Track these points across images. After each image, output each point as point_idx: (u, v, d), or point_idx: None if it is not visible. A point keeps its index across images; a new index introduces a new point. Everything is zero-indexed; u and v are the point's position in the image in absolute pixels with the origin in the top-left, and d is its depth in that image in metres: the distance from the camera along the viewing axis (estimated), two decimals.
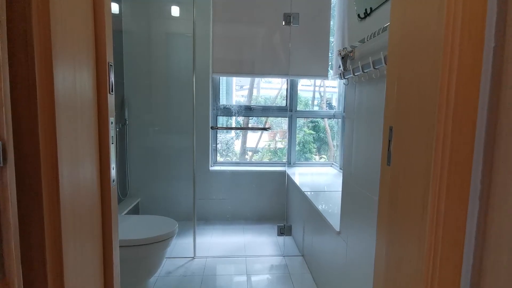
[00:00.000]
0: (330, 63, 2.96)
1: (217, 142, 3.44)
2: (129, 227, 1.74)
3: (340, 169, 2.90)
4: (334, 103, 3.69)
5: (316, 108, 3.86)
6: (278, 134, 4.02)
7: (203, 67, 2.79)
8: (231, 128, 3.27)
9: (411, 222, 0.63)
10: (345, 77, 1.27)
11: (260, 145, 3.86)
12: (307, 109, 3.39)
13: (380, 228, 0.77)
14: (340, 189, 2.25)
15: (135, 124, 2.81)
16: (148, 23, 2.75)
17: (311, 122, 3.85)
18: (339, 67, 1.35)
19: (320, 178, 2.63)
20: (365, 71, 1.07)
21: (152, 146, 2.86)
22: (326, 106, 3.75)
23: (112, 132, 0.67)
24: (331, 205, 1.89)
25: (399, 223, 0.68)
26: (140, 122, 2.82)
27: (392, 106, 0.71)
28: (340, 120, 2.96)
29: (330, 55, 2.94)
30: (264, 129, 2.85)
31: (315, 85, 3.87)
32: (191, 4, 2.64)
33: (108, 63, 0.64)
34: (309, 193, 2.13)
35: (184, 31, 2.81)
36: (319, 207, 1.83)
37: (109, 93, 0.65)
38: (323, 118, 3.37)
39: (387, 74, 0.73)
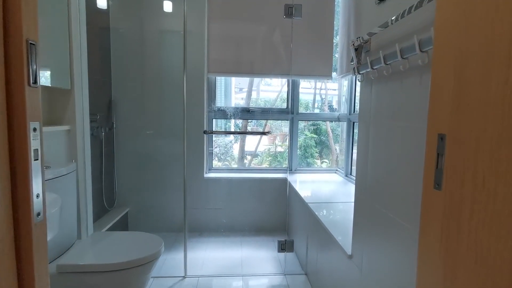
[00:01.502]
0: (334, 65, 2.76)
1: (215, 145, 3.22)
2: (106, 247, 1.52)
3: (346, 176, 2.68)
4: (335, 105, 3.49)
5: (317, 111, 3.65)
6: (278, 137, 3.81)
7: (197, 67, 2.58)
8: (226, 133, 3.05)
9: (493, 265, 0.41)
10: (360, 72, 1.05)
11: (260, 149, 3.64)
12: (308, 112, 3.18)
13: (426, 261, 0.55)
14: (348, 200, 2.04)
15: (124, 128, 2.59)
16: (138, 19, 2.54)
17: (313, 125, 3.63)
18: (351, 61, 1.13)
19: (324, 187, 2.41)
20: (388, 62, 0.86)
21: (142, 152, 2.63)
22: (328, 109, 3.54)
23: (35, 143, 0.45)
24: (338, 219, 1.67)
25: (464, 261, 0.46)
26: (129, 126, 2.60)
27: (444, 105, 0.49)
28: (345, 123, 2.74)
29: (334, 56, 2.73)
30: (263, 133, 2.63)
31: (315, 87, 3.66)
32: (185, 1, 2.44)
33: (27, 41, 0.43)
34: (313, 204, 1.91)
35: (177, 28, 2.59)
36: (325, 222, 1.60)
37: (29, 85, 0.43)
38: (327, 121, 3.15)
39: (434, 61, 0.51)
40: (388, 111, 0.94)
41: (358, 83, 2.74)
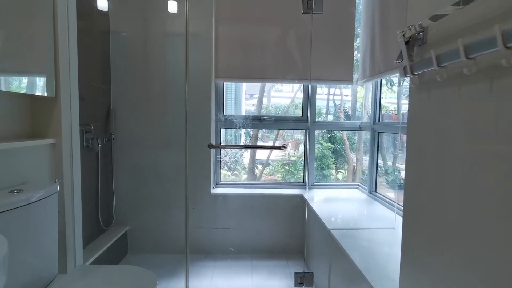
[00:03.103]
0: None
1: (224, 154, 2.96)
2: (90, 286, 1.26)
3: (370, 193, 2.36)
4: (349, 111, 3.20)
5: (330, 118, 3.36)
6: (289, 145, 3.53)
7: (204, 72, 2.34)
8: (234, 147, 2.78)
9: None
10: (415, 72, 0.77)
11: (271, 157, 3.37)
12: (323, 120, 2.90)
13: None
14: (378, 226, 1.73)
15: (123, 139, 2.37)
16: (140, 21, 2.33)
17: (327, 133, 3.35)
18: (397, 59, 0.85)
19: (346, 207, 2.10)
20: (470, 56, 0.58)
21: (143, 165, 2.40)
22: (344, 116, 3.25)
23: None
24: (369, 253, 1.37)
25: None
26: (129, 137, 2.37)
27: None
28: (368, 133, 2.44)
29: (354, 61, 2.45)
30: (278, 148, 2.35)
31: (328, 93, 3.38)
32: (191, 1, 2.21)
33: None
34: (336, 231, 1.61)
35: (183, 30, 2.36)
36: (354, 257, 1.31)
37: None
38: (349, 130, 2.86)
39: None
40: (464, 128, 0.66)
41: (380, 88, 2.44)
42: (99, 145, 2.11)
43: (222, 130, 2.62)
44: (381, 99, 2.33)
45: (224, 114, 2.56)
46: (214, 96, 2.46)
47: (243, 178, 3.27)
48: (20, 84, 1.33)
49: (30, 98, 1.45)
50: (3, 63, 1.21)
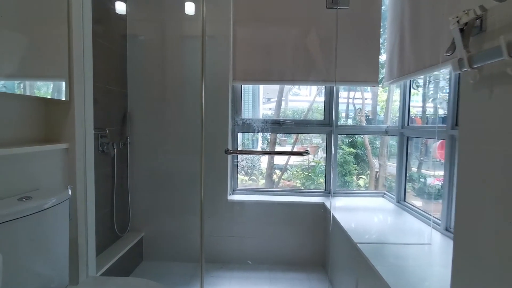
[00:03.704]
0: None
1: (242, 158, 2.86)
2: None
3: (398, 202, 2.19)
4: (370, 115, 3.02)
5: (349, 122, 3.20)
6: (308, 149, 3.39)
7: (221, 75, 2.26)
8: (252, 153, 2.68)
9: None
10: (474, 65, 0.64)
11: (290, 162, 3.24)
12: (345, 124, 2.74)
13: None
14: (410, 241, 1.55)
15: (139, 143, 2.32)
16: (157, 24, 2.29)
17: (348, 137, 3.19)
18: (447, 52, 0.72)
19: (374, 217, 1.95)
20: None
21: (159, 170, 2.34)
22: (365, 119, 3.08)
23: None
24: (404, 272, 1.22)
25: None
26: (145, 141, 2.32)
27: None
28: (396, 137, 2.27)
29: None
30: (300, 154, 2.22)
31: (348, 96, 3.22)
32: (208, 2, 2.15)
33: None
34: (364, 245, 1.47)
35: (200, 33, 2.30)
36: (388, 279, 1.16)
37: None
38: (374, 135, 2.70)
39: None
40: None
41: (410, 90, 2.27)
42: (115, 150, 2.07)
43: (239, 134, 2.53)
44: (410, 102, 2.17)
45: (242, 117, 2.46)
46: (232, 99, 2.37)
47: (260, 184, 3.17)
48: (35, 88, 1.29)
49: (44, 102, 1.41)
50: (24, 68, 1.18)
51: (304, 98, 3.25)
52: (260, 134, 2.80)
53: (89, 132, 1.54)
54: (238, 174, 2.57)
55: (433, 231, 1.65)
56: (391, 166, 2.78)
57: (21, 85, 1.24)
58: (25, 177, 1.25)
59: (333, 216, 1.99)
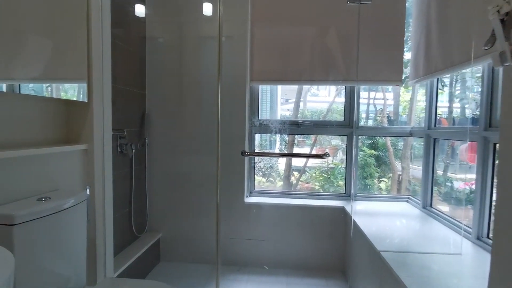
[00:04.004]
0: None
1: (259, 159, 2.83)
2: None
3: (424, 208, 2.07)
4: (392, 116, 2.89)
5: (370, 123, 3.08)
6: (327, 151, 3.30)
7: (238, 75, 2.23)
8: (270, 155, 2.63)
9: None
10: None
11: (308, 164, 3.16)
12: (367, 125, 2.64)
13: None
14: (438, 250, 1.45)
15: (157, 144, 2.33)
16: (175, 25, 2.30)
17: (368, 139, 3.07)
18: (485, 45, 0.65)
19: (398, 223, 1.85)
20: None
21: (176, 171, 2.34)
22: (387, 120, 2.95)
23: None
24: (435, 283, 1.13)
25: None
26: (163, 142, 2.33)
27: None
28: (421, 139, 2.15)
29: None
30: (319, 156, 2.15)
31: (369, 96, 3.10)
32: (226, 3, 2.12)
33: None
34: (388, 254, 1.39)
35: (217, 33, 2.28)
36: None
37: None
38: (398, 136, 2.58)
39: None
40: None
41: (436, 89, 2.15)
42: (133, 151, 2.09)
43: (257, 136, 2.49)
44: (437, 102, 2.05)
45: (259, 118, 2.43)
46: (249, 100, 2.34)
47: (278, 185, 3.11)
48: (59, 90, 1.31)
49: (64, 104, 1.43)
50: (47, 71, 1.20)
51: (323, 99, 3.16)
52: (277, 135, 2.75)
53: (107, 133, 1.55)
54: (255, 176, 2.53)
55: (464, 240, 1.54)
56: (415, 169, 2.65)
57: (49, 88, 1.27)
58: (44, 177, 1.27)
59: (354, 221, 1.91)
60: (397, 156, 3.05)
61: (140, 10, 2.28)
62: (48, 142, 1.36)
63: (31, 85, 1.19)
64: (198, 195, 2.33)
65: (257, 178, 2.78)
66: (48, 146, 1.28)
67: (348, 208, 2.16)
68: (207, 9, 2.27)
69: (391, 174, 3.05)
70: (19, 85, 1.14)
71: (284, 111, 3.11)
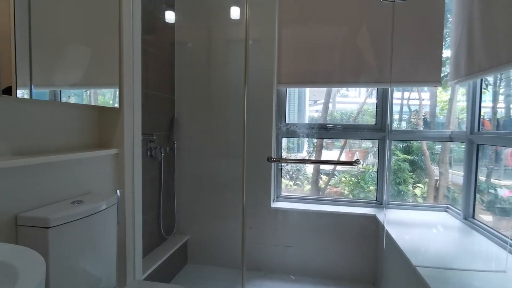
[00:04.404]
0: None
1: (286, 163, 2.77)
2: None
3: (465, 219, 1.91)
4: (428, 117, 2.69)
5: (403, 125, 2.89)
6: (357, 154, 3.17)
7: (265, 78, 2.21)
8: (297, 162, 2.58)
9: None
10: None
11: (337, 167, 3.05)
12: (401, 129, 2.49)
13: None
14: (485, 268, 1.32)
15: (185, 148, 2.37)
16: (203, 30, 2.32)
17: (402, 141, 2.90)
18: None
19: (436, 236, 1.72)
20: None
21: (204, 174, 2.36)
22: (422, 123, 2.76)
23: None
24: None
25: None
26: (191, 145, 2.37)
27: None
28: (464, 144, 1.99)
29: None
30: (349, 163, 2.07)
31: (402, 96, 2.92)
32: (253, 5, 2.11)
33: None
34: (426, 270, 1.28)
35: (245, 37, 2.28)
36: None
37: None
38: (435, 141, 2.42)
39: None
40: None
41: (480, 90, 1.97)
42: (162, 154, 2.14)
43: (284, 140, 2.45)
44: (481, 104, 1.88)
45: (286, 122, 2.38)
46: (276, 104, 2.31)
47: (306, 189, 3.04)
48: (96, 96, 1.37)
49: (97, 109, 1.49)
50: (84, 77, 1.26)
51: (353, 100, 3.04)
52: (306, 142, 2.70)
53: (137, 138, 1.59)
54: (282, 179, 2.49)
55: (509, 256, 1.39)
56: (455, 174, 2.46)
57: (87, 92, 1.33)
58: (78, 181, 1.32)
59: (387, 232, 1.80)
60: (434, 161, 2.86)
61: (169, 16, 2.33)
62: (83, 146, 1.42)
63: (71, 90, 1.25)
64: (224, 198, 2.34)
65: (284, 181, 2.74)
66: (83, 151, 1.33)
67: (380, 217, 2.05)
68: (235, 12, 2.27)
69: (427, 180, 2.86)
70: (60, 91, 1.20)
71: (312, 112, 3.03)
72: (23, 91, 1.01)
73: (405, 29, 2.00)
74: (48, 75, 1.11)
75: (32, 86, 1.04)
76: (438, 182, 2.79)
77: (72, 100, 1.27)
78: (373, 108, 2.37)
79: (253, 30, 2.19)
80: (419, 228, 1.84)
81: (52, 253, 1.02)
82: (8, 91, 0.96)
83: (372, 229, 2.10)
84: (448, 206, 2.21)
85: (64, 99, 1.21)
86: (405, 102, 2.78)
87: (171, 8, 2.31)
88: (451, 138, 2.16)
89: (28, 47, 1.01)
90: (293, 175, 3.10)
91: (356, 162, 1.77)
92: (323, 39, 2.13)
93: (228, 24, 2.28)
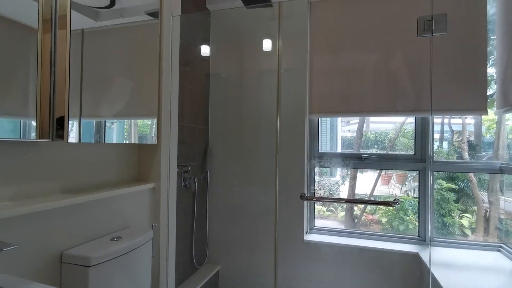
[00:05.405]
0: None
1: (319, 187, 2.70)
2: None
3: None
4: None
5: (445, 146, 2.68)
6: (394, 178, 2.99)
7: (297, 108, 2.21)
8: (332, 200, 2.52)
9: None
10: None
11: (374, 192, 2.90)
12: (446, 159, 2.33)
13: None
14: None
15: (218, 178, 2.40)
16: (237, 62, 2.41)
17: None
18: None
19: (490, 282, 1.54)
20: None
21: (235, 204, 2.37)
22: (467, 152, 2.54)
23: None
24: None
25: None
26: (224, 175, 2.40)
27: None
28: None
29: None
30: (388, 204, 1.97)
31: (443, 122, 2.70)
32: (285, 36, 2.16)
33: None
34: None
35: (276, 67, 2.32)
36: None
37: None
38: (483, 173, 2.23)
39: None
40: None
41: None
42: (196, 184, 2.18)
43: (316, 168, 2.40)
44: None
45: (319, 151, 2.34)
46: (308, 133, 2.28)
47: (339, 216, 2.92)
48: (134, 125, 1.45)
49: (137, 147, 1.57)
50: (128, 108, 1.34)
51: (389, 119, 2.89)
52: (339, 172, 2.62)
53: (173, 171, 1.65)
54: (315, 204, 2.41)
55: None
56: (507, 201, 2.23)
57: (126, 125, 1.41)
58: (117, 216, 1.38)
59: (433, 275, 1.65)
60: (482, 187, 2.62)
61: (205, 50, 2.46)
62: (122, 181, 1.49)
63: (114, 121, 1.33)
64: (255, 229, 2.31)
65: (317, 207, 2.65)
66: (123, 186, 1.40)
67: (423, 256, 1.89)
68: (267, 45, 2.34)
69: (475, 208, 2.61)
70: (105, 121, 1.28)
71: (345, 132, 2.92)
72: (73, 121, 1.09)
73: (445, 56, 1.92)
74: (95, 107, 1.20)
75: (82, 118, 1.12)
76: (488, 212, 2.54)
77: (114, 127, 1.35)
78: (410, 128, 2.24)
79: (284, 60, 2.23)
80: (469, 272, 1.66)
81: None
82: (61, 121, 1.04)
83: (415, 269, 1.94)
84: (501, 245, 1.99)
85: (107, 124, 1.29)
86: (446, 121, 2.60)
87: (207, 42, 2.43)
88: (501, 170, 1.98)
89: (80, 82, 1.11)
90: (326, 202, 2.99)
91: (395, 202, 1.67)
92: (356, 68, 2.11)
93: (261, 55, 2.34)
